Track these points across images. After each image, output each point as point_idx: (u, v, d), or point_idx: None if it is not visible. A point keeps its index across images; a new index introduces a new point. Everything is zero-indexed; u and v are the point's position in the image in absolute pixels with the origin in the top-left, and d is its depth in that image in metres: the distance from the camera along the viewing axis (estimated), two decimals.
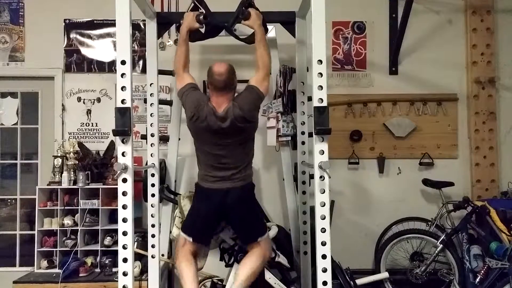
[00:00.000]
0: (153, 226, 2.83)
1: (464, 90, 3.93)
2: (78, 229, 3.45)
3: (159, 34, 2.95)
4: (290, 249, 3.15)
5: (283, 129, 3.24)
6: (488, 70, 3.86)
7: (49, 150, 3.82)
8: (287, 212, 3.38)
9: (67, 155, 3.61)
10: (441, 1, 3.94)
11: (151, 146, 2.88)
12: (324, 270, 2.10)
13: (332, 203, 3.19)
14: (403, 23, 3.60)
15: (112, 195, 3.45)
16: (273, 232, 2.80)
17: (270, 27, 2.99)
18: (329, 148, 2.10)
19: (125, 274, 2.11)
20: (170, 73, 3.26)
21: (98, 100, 3.88)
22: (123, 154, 2.10)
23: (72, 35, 3.89)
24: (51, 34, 3.86)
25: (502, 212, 3.40)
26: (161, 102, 3.27)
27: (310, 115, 2.55)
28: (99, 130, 3.87)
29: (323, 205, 2.11)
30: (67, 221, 3.48)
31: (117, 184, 2.12)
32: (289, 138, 3.27)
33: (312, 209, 2.41)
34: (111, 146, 3.72)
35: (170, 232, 3.11)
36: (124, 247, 2.11)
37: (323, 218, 2.11)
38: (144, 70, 3.44)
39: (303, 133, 3.06)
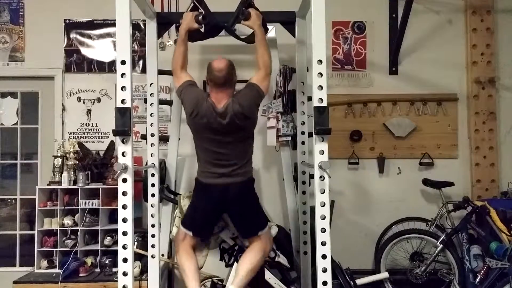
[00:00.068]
0: (153, 226, 2.82)
1: (464, 90, 3.93)
2: (78, 229, 3.45)
3: (159, 34, 2.95)
4: (290, 249, 3.15)
5: (283, 129, 3.24)
6: (488, 70, 3.86)
7: (49, 150, 3.82)
8: (287, 212, 3.38)
9: (67, 155, 3.61)
10: (441, 1, 3.94)
11: (151, 146, 2.87)
12: (324, 270, 2.10)
13: (332, 203, 3.19)
14: (403, 23, 3.60)
15: (112, 195, 3.45)
16: (273, 232, 2.81)
17: (270, 27, 2.99)
18: (329, 148, 2.10)
19: (125, 274, 2.11)
20: (170, 73, 3.21)
21: (98, 100, 3.88)
22: (123, 154, 2.10)
23: (72, 35, 3.89)
24: (51, 34, 3.86)
25: (502, 212, 3.40)
26: (161, 102, 3.27)
27: (310, 115, 2.55)
28: (99, 130, 3.87)
29: (323, 205, 2.11)
30: (67, 221, 3.48)
31: (117, 184, 2.12)
32: (289, 138, 3.27)
33: (312, 209, 2.41)
34: (111, 146, 3.72)
35: (170, 232, 3.12)
36: (124, 247, 2.11)
37: (323, 218, 2.11)
38: (144, 70, 3.44)
39: (303, 133, 3.06)
